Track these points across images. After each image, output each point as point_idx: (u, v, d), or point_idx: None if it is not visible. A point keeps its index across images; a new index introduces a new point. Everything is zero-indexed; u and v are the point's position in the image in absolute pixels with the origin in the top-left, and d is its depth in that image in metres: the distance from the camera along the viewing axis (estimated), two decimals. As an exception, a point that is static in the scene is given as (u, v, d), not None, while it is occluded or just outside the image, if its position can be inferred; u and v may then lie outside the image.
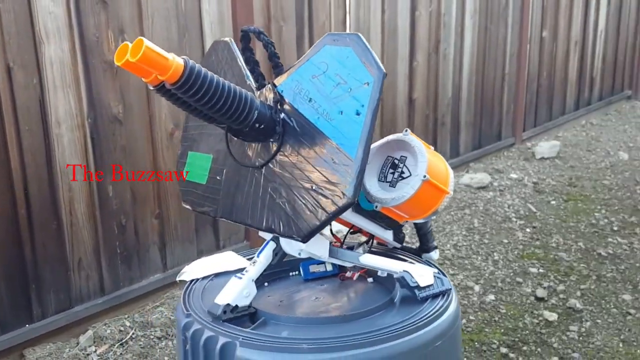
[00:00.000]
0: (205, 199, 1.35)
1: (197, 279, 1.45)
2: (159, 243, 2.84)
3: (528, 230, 3.76)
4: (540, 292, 2.96)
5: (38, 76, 2.36)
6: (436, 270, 1.32)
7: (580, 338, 2.62)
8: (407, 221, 1.33)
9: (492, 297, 2.95)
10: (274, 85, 1.22)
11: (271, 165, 1.21)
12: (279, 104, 1.20)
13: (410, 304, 1.27)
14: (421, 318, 1.19)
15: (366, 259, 1.33)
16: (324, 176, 1.12)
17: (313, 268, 1.47)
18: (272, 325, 1.24)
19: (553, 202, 4.17)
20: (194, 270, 1.48)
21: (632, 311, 2.81)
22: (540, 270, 3.22)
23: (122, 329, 2.61)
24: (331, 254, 1.32)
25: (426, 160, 1.18)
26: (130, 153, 2.67)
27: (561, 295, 2.95)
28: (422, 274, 1.27)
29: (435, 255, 1.48)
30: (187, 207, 1.39)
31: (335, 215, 1.10)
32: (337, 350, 1.10)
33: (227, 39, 1.39)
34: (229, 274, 1.47)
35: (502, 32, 4.65)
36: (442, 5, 4.09)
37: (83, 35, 2.46)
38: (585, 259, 3.34)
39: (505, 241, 3.61)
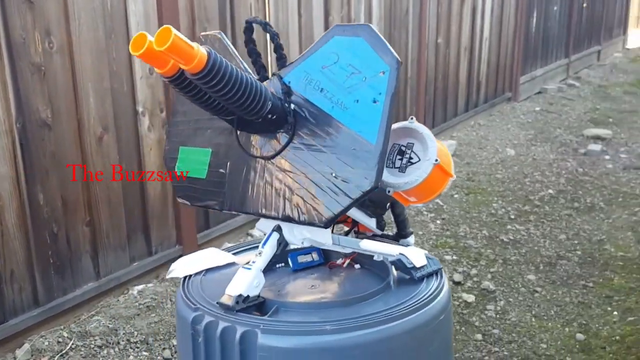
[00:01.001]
0: (206, 193, 1.35)
1: (190, 275, 1.44)
2: (91, 251, 2.75)
3: (438, 222, 4.00)
4: (457, 277, 3.19)
5: (-36, 78, 2.22)
6: (426, 252, 1.42)
7: (497, 316, 2.86)
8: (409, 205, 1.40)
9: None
10: (280, 77, 1.25)
11: (283, 155, 1.23)
12: (287, 95, 1.23)
13: (406, 285, 1.34)
14: (425, 296, 1.27)
15: (366, 244, 1.39)
16: (344, 163, 1.16)
17: (301, 258, 1.50)
18: (284, 312, 1.26)
19: (456, 196, 4.46)
20: (182, 267, 1.47)
21: (539, 289, 3.10)
22: (454, 257, 3.45)
23: (60, 340, 2.50)
24: (333, 241, 1.37)
25: (436, 145, 1.27)
26: (60, 158, 2.57)
27: (475, 279, 3.19)
28: (415, 256, 1.35)
29: (412, 240, 1.58)
30: (185, 202, 1.39)
31: (357, 201, 1.15)
32: (359, 329, 1.15)
33: (216, 32, 1.40)
34: (219, 269, 1.48)
35: (404, 38, 4.90)
36: (352, 11, 4.25)
37: (9, 37, 2.35)
38: (490, 245, 3.63)
39: (421, 233, 3.82)
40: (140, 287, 2.97)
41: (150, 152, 2.98)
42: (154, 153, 2.99)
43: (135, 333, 2.66)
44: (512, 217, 4.09)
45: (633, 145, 5.79)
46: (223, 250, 1.60)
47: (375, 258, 1.43)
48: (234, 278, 1.27)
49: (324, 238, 1.34)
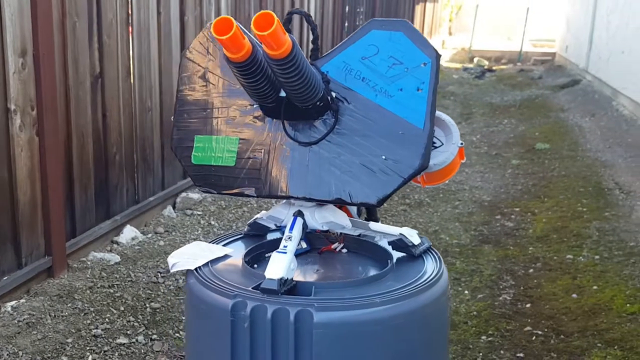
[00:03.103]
0: (237, 180, 1.34)
1: (199, 267, 1.42)
2: (-39, 266, 2.43)
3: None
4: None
5: None
6: (416, 231, 1.54)
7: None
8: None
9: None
10: (317, 67, 1.30)
11: (329, 140, 1.28)
12: (327, 83, 1.28)
13: (406, 263, 1.44)
14: (434, 271, 1.39)
15: (374, 226, 1.49)
16: (393, 146, 1.24)
17: None
18: (321, 292, 1.30)
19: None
20: (183, 261, 1.43)
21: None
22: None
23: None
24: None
25: (458, 130, 1.39)
26: None
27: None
28: (411, 235, 1.47)
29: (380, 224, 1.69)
30: (210, 190, 1.37)
31: (408, 180, 1.24)
32: (405, 299, 1.25)
33: (226, 16, 1.40)
34: (222, 260, 1.48)
35: (249, 42, 5.00)
36: (204, 12, 4.24)
37: None
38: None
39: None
40: (13, 302, 2.69)
41: (22, 154, 2.71)
42: (25, 154, 2.73)
43: (20, 353, 2.42)
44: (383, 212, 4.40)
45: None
46: (209, 242, 1.58)
47: (376, 239, 1.52)
48: (271, 263, 1.30)
49: (344, 221, 1.41)
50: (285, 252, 1.31)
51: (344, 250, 1.58)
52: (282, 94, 1.32)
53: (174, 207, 4.07)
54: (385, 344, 1.25)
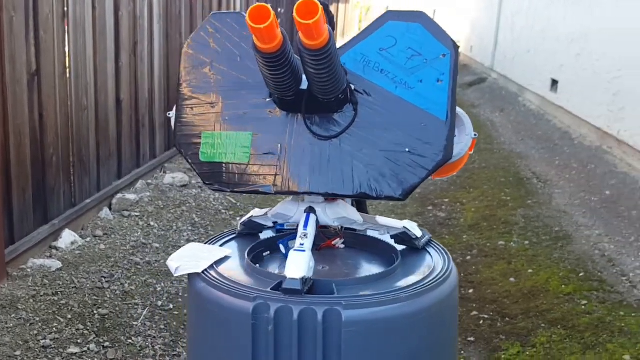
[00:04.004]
0: (251, 177, 1.30)
1: (205, 270, 1.36)
2: None
3: (239, 219, 4.14)
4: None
5: None
6: (416, 224, 1.52)
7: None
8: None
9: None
10: None
11: (349, 134, 1.27)
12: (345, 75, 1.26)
13: (411, 258, 1.43)
14: (444, 265, 1.39)
15: (381, 220, 1.48)
16: (416, 138, 1.24)
17: (291, 244, 1.45)
18: (342, 289, 1.27)
19: (245, 194, 4.66)
20: (185, 264, 1.37)
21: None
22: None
23: None
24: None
25: (470, 122, 1.40)
26: None
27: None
28: (413, 227, 1.48)
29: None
30: (222, 189, 1.31)
31: (432, 172, 1.25)
32: (427, 292, 1.26)
33: (237, 11, 1.36)
34: (223, 261, 1.43)
35: (179, 39, 4.90)
36: (137, 8, 4.13)
37: None
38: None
39: (226, 230, 3.93)
40: (-44, 315, 2.53)
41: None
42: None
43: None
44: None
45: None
46: (202, 244, 1.54)
47: (380, 233, 1.51)
48: (290, 262, 1.26)
49: (355, 215, 1.40)
50: (304, 250, 1.28)
51: (341, 246, 1.55)
52: (303, 87, 1.30)
53: (110, 209, 3.94)
54: (410, 338, 1.25)
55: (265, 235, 1.58)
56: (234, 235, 1.60)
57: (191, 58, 1.43)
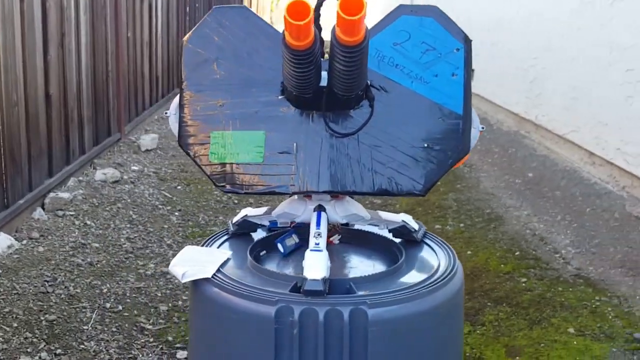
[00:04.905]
0: (266, 178, 1.27)
1: (215, 274, 1.32)
2: None
3: (177, 214, 4.07)
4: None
5: None
6: (410, 217, 1.52)
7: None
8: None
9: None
10: None
11: (366, 130, 1.25)
12: None
13: (412, 251, 1.42)
14: (450, 261, 1.39)
15: (383, 215, 1.49)
16: (433, 132, 1.23)
17: (288, 242, 1.45)
18: (360, 287, 1.25)
19: (179, 187, 4.57)
20: (190, 268, 1.32)
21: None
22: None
23: None
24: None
25: (477, 115, 1.39)
26: None
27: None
28: (410, 220, 1.48)
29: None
30: (236, 191, 1.26)
31: (452, 166, 1.25)
32: (443, 286, 1.27)
33: (241, 5, 1.31)
34: (225, 264, 1.39)
35: (104, 30, 4.73)
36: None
37: None
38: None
39: (166, 226, 3.85)
40: None
41: None
42: None
43: None
44: (236, 201, 4.42)
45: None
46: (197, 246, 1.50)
47: (379, 227, 1.49)
48: (308, 262, 1.23)
49: (363, 212, 1.39)
50: (321, 250, 1.25)
51: (337, 242, 1.53)
52: (322, 84, 1.27)
53: (43, 209, 3.78)
54: (431, 333, 1.26)
55: (258, 234, 1.54)
56: (227, 236, 1.55)
57: (194, 54, 1.36)
